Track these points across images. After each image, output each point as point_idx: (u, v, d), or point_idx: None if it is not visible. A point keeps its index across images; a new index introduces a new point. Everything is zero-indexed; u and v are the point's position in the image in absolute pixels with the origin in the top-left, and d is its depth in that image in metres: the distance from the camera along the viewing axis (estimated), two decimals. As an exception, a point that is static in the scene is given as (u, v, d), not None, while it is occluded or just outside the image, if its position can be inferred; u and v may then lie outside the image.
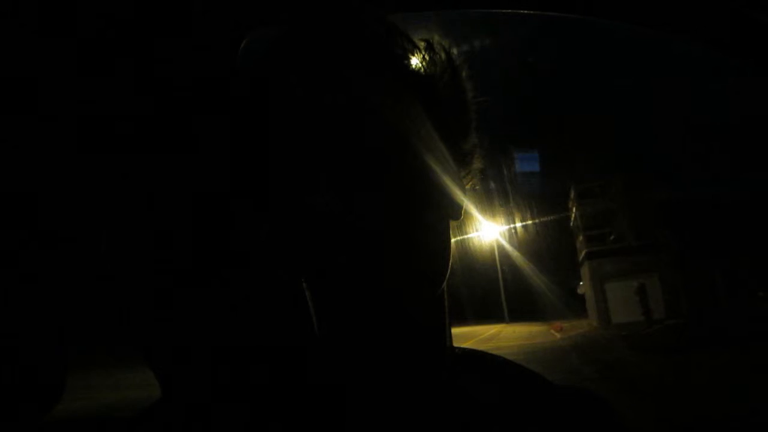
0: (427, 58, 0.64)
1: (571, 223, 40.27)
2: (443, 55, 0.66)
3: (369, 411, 0.57)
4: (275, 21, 0.59)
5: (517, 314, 54.47)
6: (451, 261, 0.63)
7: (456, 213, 0.65)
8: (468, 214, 0.69)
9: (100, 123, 0.49)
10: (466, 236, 0.73)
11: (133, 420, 0.56)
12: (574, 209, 38.51)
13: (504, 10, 0.86)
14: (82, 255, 0.49)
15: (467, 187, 0.69)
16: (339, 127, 0.55)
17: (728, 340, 15.14)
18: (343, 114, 0.55)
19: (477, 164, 0.70)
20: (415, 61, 0.63)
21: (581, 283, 40.03)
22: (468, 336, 34.27)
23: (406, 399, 0.58)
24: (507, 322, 52.06)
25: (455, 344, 0.70)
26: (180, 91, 0.52)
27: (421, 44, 0.65)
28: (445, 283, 0.63)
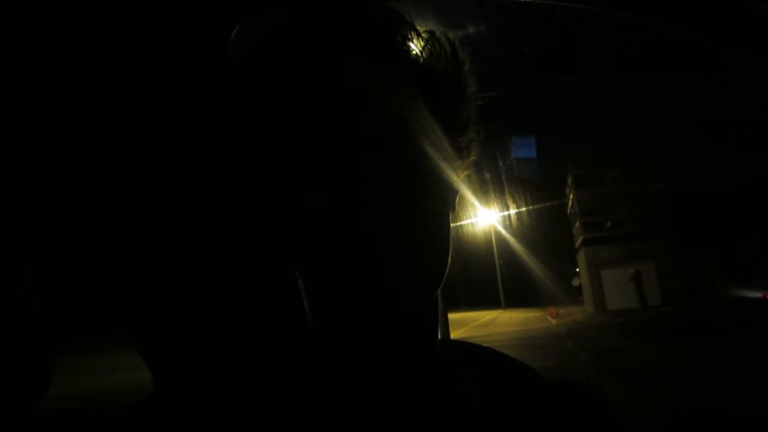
0: (430, 49, 0.62)
1: (568, 210, 40.31)
2: (448, 48, 0.64)
3: (359, 405, 0.57)
4: (269, 7, 0.58)
5: (514, 300, 54.79)
6: (450, 253, 0.62)
7: (452, 205, 0.65)
8: (465, 201, 0.69)
9: (97, 123, 0.49)
10: (462, 223, 0.72)
11: (126, 415, 0.55)
12: (571, 196, 38.53)
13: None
14: (76, 246, 0.49)
15: (461, 177, 0.69)
16: (336, 119, 0.54)
17: (723, 327, 15.22)
18: (341, 105, 0.54)
19: (473, 156, 0.68)
20: (417, 51, 0.62)
21: (576, 270, 40.21)
22: (464, 322, 34.41)
23: (396, 393, 0.58)
24: (503, 308, 52.28)
25: (451, 329, 0.69)
26: (168, 81, 0.51)
27: (426, 35, 0.63)
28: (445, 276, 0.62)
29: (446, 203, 0.62)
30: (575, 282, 40.25)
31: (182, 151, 0.51)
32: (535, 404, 0.66)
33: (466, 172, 0.69)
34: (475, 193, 0.72)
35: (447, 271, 0.61)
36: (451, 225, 0.64)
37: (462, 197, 0.67)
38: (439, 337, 0.66)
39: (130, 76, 0.50)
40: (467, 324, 32.64)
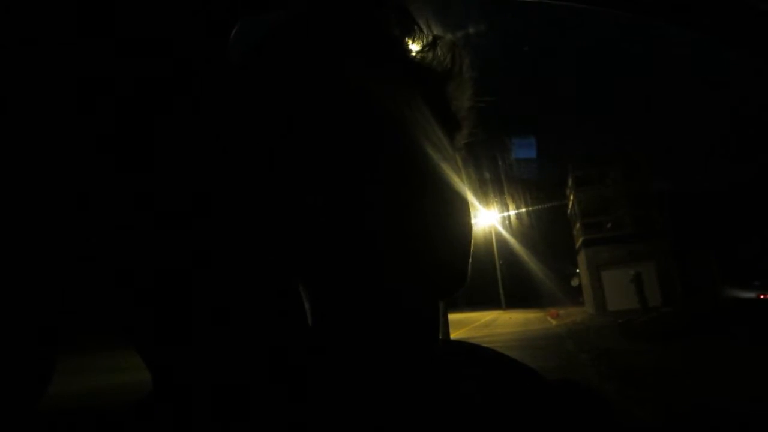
0: (430, 49, 0.62)
1: (569, 211, 40.32)
2: (449, 49, 0.63)
3: (359, 405, 0.57)
4: (269, 7, 0.58)
5: (514, 301, 54.79)
6: (470, 254, 0.61)
7: (453, 205, 0.64)
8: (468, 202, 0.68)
9: (96, 124, 0.49)
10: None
11: (126, 414, 0.55)
12: (571, 197, 38.54)
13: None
14: (77, 246, 0.49)
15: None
16: (336, 118, 0.54)
17: (723, 327, 15.21)
18: (340, 104, 0.54)
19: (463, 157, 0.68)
20: (418, 51, 0.61)
21: (577, 270, 40.23)
22: (464, 322, 34.39)
23: (396, 393, 0.57)
24: (503, 309, 52.25)
25: (451, 329, 0.69)
26: (167, 81, 0.51)
27: (427, 35, 0.62)
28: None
29: (449, 203, 0.61)
30: (574, 282, 40.32)
31: (181, 151, 0.51)
32: (535, 405, 0.66)
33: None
34: (475, 193, 0.71)
35: (462, 270, 0.60)
36: (469, 224, 0.62)
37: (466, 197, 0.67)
38: (440, 337, 0.66)
39: (129, 76, 0.50)
40: (467, 324, 32.62)
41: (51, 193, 0.48)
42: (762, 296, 23.93)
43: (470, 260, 0.61)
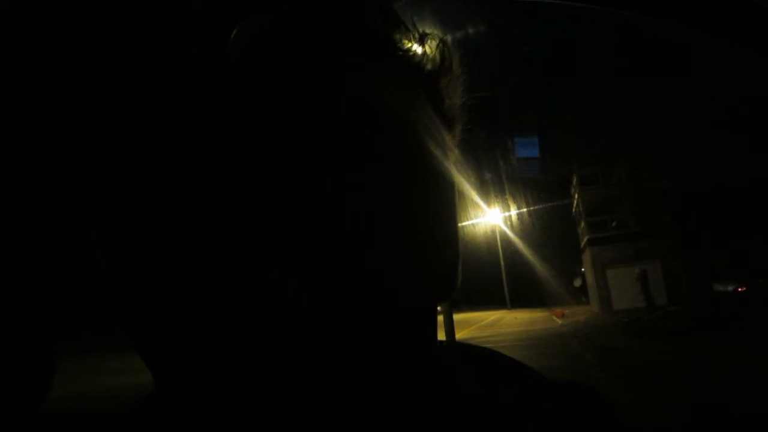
0: (421, 50, 0.62)
1: (573, 210, 40.26)
2: (438, 50, 0.63)
3: (356, 406, 0.57)
4: (269, 7, 0.57)
5: (519, 300, 54.70)
6: (459, 254, 0.61)
7: (452, 203, 0.64)
8: (467, 200, 0.68)
9: (93, 124, 0.49)
10: (465, 223, 0.71)
11: (126, 416, 0.55)
12: (576, 195, 38.48)
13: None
14: (78, 248, 0.49)
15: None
16: (338, 119, 0.53)
17: (729, 327, 15.18)
18: (339, 105, 0.54)
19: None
20: (409, 49, 0.62)
21: (582, 270, 40.18)
22: (469, 322, 34.37)
23: (394, 395, 0.57)
24: (508, 309, 52.22)
25: (456, 329, 0.69)
26: (166, 81, 0.51)
27: (417, 35, 0.62)
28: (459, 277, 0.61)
29: (449, 203, 0.62)
30: (576, 283, 40.32)
31: (180, 152, 0.51)
32: (536, 407, 0.65)
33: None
34: (478, 192, 0.71)
35: (458, 270, 0.60)
36: (458, 225, 0.63)
37: (464, 196, 0.67)
38: (445, 337, 0.66)
39: (128, 76, 0.50)
40: (473, 324, 32.61)
41: (51, 191, 0.48)
42: (739, 289, 24.53)
43: (460, 261, 0.61)
